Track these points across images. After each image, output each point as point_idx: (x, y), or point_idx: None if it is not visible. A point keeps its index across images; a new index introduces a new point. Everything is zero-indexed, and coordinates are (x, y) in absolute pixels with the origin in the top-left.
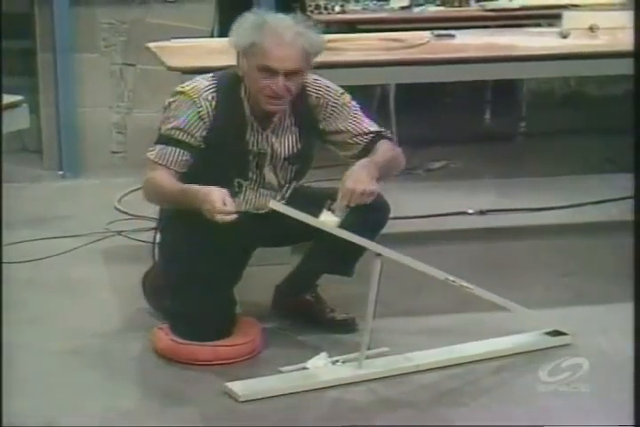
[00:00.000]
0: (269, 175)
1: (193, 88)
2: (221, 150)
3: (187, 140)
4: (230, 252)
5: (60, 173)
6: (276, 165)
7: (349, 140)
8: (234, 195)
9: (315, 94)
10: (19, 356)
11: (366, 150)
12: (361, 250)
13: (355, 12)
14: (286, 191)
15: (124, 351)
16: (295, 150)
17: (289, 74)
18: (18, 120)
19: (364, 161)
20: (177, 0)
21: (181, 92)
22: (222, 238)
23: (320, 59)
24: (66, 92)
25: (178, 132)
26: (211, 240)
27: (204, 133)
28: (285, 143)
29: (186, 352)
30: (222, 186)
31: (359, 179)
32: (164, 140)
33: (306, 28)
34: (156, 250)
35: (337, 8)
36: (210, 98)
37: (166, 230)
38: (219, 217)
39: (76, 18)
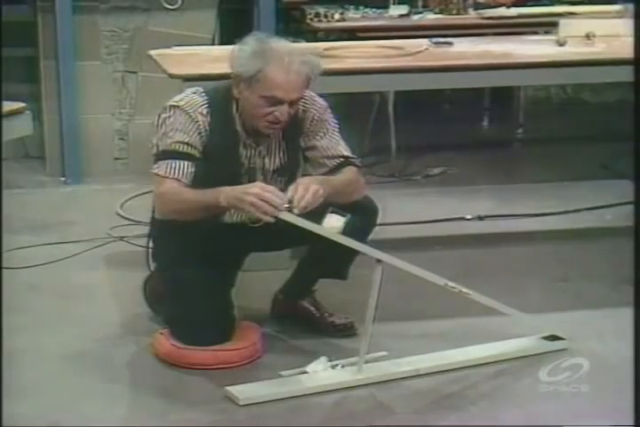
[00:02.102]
0: None
1: (188, 103)
2: (214, 165)
3: (192, 153)
4: (223, 256)
5: (63, 179)
6: (266, 179)
7: (320, 160)
8: (224, 209)
9: (302, 107)
10: (21, 360)
11: (331, 173)
12: (354, 253)
13: (354, 20)
14: None
15: (125, 356)
16: (283, 163)
17: (292, 102)
18: (21, 127)
19: (320, 176)
20: (178, 8)
21: (176, 107)
22: (215, 244)
23: None
24: (68, 99)
25: (183, 145)
26: (204, 246)
27: (202, 148)
28: (275, 157)
29: (186, 357)
30: None
31: (304, 181)
32: (170, 154)
33: (307, 53)
34: (150, 257)
35: (336, 16)
36: (205, 113)
37: (158, 237)
38: (266, 211)
39: (79, 26)
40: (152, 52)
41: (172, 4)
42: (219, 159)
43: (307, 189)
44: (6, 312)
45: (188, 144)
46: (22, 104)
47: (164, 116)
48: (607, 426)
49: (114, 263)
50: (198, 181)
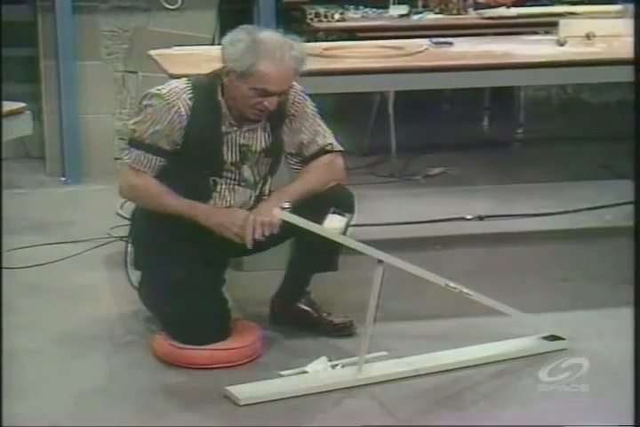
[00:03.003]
0: (246, 172)
1: (170, 91)
2: (198, 150)
3: (164, 147)
4: (211, 254)
5: (63, 179)
6: (252, 160)
7: (298, 146)
8: (209, 193)
9: None
10: (21, 360)
11: (307, 161)
12: (340, 243)
13: (354, 20)
14: (261, 188)
15: (124, 355)
16: (269, 143)
17: (281, 92)
18: (21, 127)
19: (276, 192)
20: (178, 8)
21: (158, 95)
22: (201, 242)
23: (319, 66)
24: (68, 99)
25: (156, 137)
26: (190, 244)
27: (182, 135)
28: (259, 138)
29: (185, 356)
30: (197, 184)
31: (260, 211)
32: (142, 145)
33: (296, 46)
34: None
35: (336, 16)
36: (187, 99)
37: (141, 238)
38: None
39: (79, 25)
40: (152, 52)
41: (171, 4)
42: (201, 143)
43: (256, 224)
44: (6, 312)
45: (162, 136)
46: (22, 104)
47: (144, 102)
48: (607, 426)
49: (114, 263)
50: (179, 166)
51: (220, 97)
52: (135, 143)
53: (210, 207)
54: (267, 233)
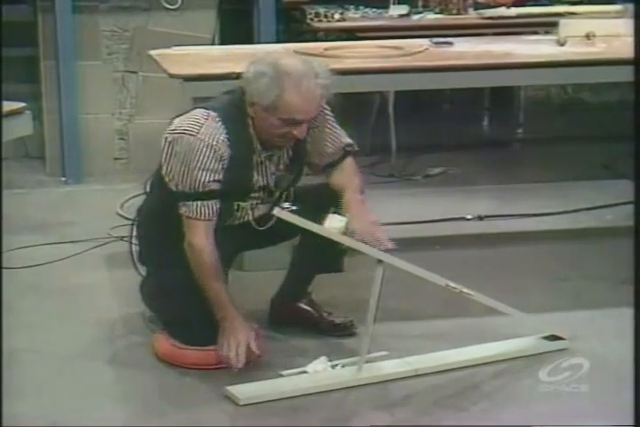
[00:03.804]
0: (273, 193)
1: (208, 134)
2: (230, 181)
3: (215, 188)
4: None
5: (63, 179)
6: (278, 180)
7: (323, 155)
8: (230, 214)
9: None
10: (21, 360)
11: (331, 165)
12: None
13: (354, 20)
14: (279, 199)
15: (125, 355)
16: (293, 158)
17: (310, 120)
18: (21, 127)
19: (354, 208)
20: (178, 8)
21: (194, 139)
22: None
23: None
24: (68, 99)
25: (212, 184)
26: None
27: (224, 173)
28: (285, 156)
29: (186, 357)
30: (222, 208)
31: (362, 227)
32: (201, 195)
33: (321, 74)
34: (137, 259)
35: (336, 16)
36: (224, 140)
37: (147, 238)
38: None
39: (79, 25)
40: (152, 52)
41: (171, 4)
42: (236, 173)
43: (238, 345)
44: (6, 312)
45: (215, 181)
46: (22, 104)
47: (177, 149)
48: (607, 426)
49: (114, 263)
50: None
51: (251, 130)
52: (188, 196)
53: (236, 316)
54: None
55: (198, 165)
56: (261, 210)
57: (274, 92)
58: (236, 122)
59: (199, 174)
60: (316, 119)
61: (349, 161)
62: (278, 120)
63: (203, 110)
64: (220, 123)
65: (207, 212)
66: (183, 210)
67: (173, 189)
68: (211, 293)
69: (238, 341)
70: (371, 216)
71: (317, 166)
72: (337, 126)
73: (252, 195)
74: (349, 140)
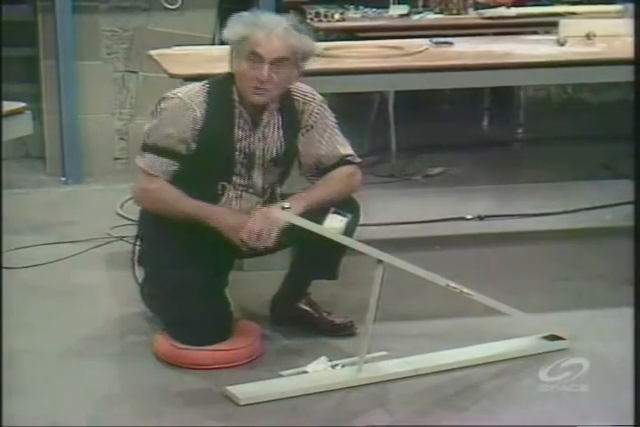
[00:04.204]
0: (255, 177)
1: (185, 93)
2: (210, 152)
3: (178, 150)
4: (215, 256)
5: (63, 178)
6: (262, 167)
7: (316, 157)
8: (216, 198)
9: (302, 99)
10: (21, 360)
11: (325, 171)
12: (341, 253)
13: (354, 20)
14: (268, 195)
15: (124, 355)
16: (281, 151)
17: (275, 62)
18: (21, 127)
19: (293, 197)
20: (178, 8)
21: (174, 97)
22: (206, 244)
23: (319, 66)
24: (68, 99)
25: (170, 141)
26: (195, 246)
27: (196, 138)
28: (271, 144)
29: (186, 357)
30: (206, 189)
31: (270, 213)
32: (156, 149)
33: (298, 28)
34: (136, 260)
35: (336, 16)
36: (202, 100)
37: (148, 238)
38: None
39: (79, 25)
40: (152, 52)
41: (171, 4)
42: (214, 145)
43: (261, 225)
44: (6, 312)
45: (177, 140)
46: (22, 104)
47: (161, 106)
48: (607, 426)
49: (114, 263)
50: (190, 168)
51: (235, 96)
52: (148, 147)
53: (224, 209)
54: (263, 243)
55: (165, 120)
56: (248, 201)
57: (244, 30)
58: (222, 88)
59: (164, 129)
60: (312, 117)
61: (346, 170)
62: (245, 62)
63: (203, 82)
64: (205, 88)
65: (158, 168)
66: (137, 159)
67: (142, 142)
68: (187, 210)
69: (242, 221)
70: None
71: (308, 168)
72: (338, 134)
73: (235, 172)
74: (349, 152)
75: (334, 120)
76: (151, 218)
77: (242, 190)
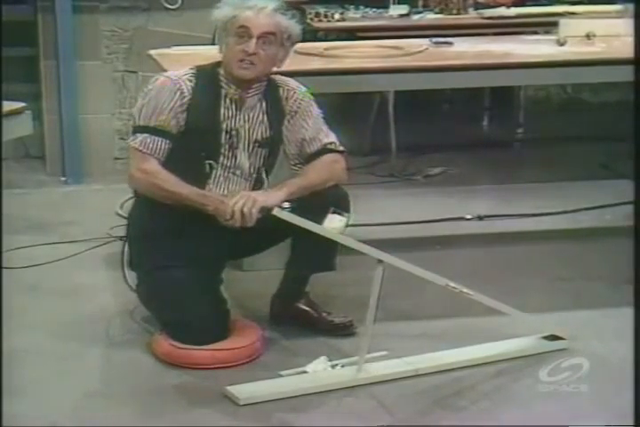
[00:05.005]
0: (241, 158)
1: (173, 73)
2: (195, 130)
3: (169, 128)
4: (208, 254)
5: (63, 178)
6: (247, 148)
7: (299, 143)
8: (205, 177)
9: (285, 86)
10: (21, 360)
11: (308, 159)
12: (337, 243)
13: (354, 20)
14: (255, 179)
15: (124, 355)
16: (266, 135)
17: (262, 37)
18: (21, 127)
19: (276, 186)
20: (178, 8)
21: (161, 77)
22: (198, 242)
23: (319, 66)
24: (68, 99)
25: (161, 118)
26: (185, 244)
27: (185, 116)
28: (256, 126)
29: (185, 357)
30: (194, 167)
31: (254, 197)
32: (147, 128)
33: (285, 10)
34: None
35: (336, 16)
36: (189, 79)
37: (137, 240)
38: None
39: (79, 25)
40: (152, 52)
41: (171, 4)
42: (199, 123)
43: (245, 202)
44: (6, 312)
45: (167, 118)
46: (22, 104)
47: (149, 87)
48: (607, 426)
49: (114, 263)
50: (182, 143)
51: (221, 77)
52: (140, 127)
53: (220, 197)
54: (244, 223)
55: (157, 99)
56: (236, 184)
57: (232, 10)
58: (209, 69)
59: (152, 108)
60: (296, 103)
61: (327, 158)
62: (233, 38)
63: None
64: (192, 69)
65: (153, 146)
66: (131, 140)
67: (132, 125)
68: (183, 195)
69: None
70: (270, 194)
71: (292, 156)
72: (322, 122)
73: (221, 152)
74: (332, 140)
75: (318, 110)
76: (142, 217)
77: (229, 172)
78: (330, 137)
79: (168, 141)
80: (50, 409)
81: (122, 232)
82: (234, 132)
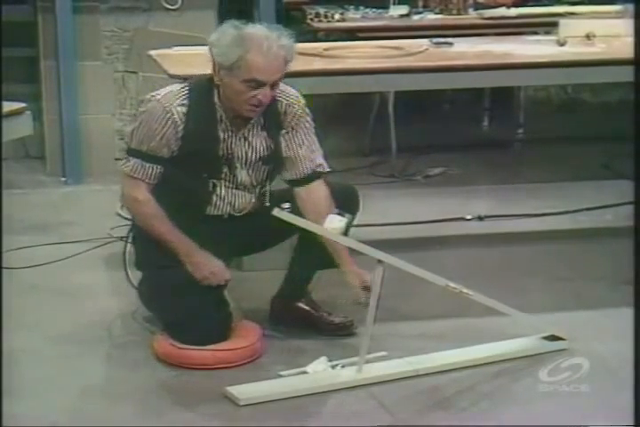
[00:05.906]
0: (243, 176)
1: (164, 96)
2: (195, 154)
3: (160, 154)
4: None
5: (63, 179)
6: (249, 166)
7: (292, 159)
8: (209, 196)
9: (285, 101)
10: (21, 360)
11: (300, 183)
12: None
13: (354, 20)
14: (260, 192)
15: (124, 356)
16: (268, 151)
17: (273, 84)
18: (21, 127)
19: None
20: (178, 8)
21: (153, 100)
22: (202, 244)
23: (319, 66)
24: (69, 100)
25: (153, 145)
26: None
27: (179, 142)
28: (257, 145)
29: (186, 357)
30: (197, 187)
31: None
32: (139, 154)
33: (283, 37)
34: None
35: (337, 16)
36: (182, 104)
37: (142, 240)
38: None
39: (79, 26)
40: (152, 52)
41: (172, 4)
42: (198, 147)
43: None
44: (6, 312)
45: (158, 145)
46: (22, 104)
47: (141, 109)
48: (607, 426)
49: (114, 263)
50: (177, 169)
51: (216, 99)
52: (133, 152)
53: (195, 249)
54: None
55: (147, 124)
56: (240, 198)
57: (236, 52)
58: (202, 91)
59: (145, 133)
60: (295, 119)
61: (320, 185)
62: (242, 83)
63: (182, 83)
64: (185, 90)
65: (144, 172)
66: (122, 163)
67: (126, 146)
68: (165, 236)
69: (208, 267)
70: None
71: (285, 170)
72: (314, 140)
73: (223, 171)
74: (321, 161)
75: (312, 124)
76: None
77: (232, 188)
78: (319, 157)
79: (160, 167)
80: (50, 409)
81: (122, 232)
82: (232, 155)
